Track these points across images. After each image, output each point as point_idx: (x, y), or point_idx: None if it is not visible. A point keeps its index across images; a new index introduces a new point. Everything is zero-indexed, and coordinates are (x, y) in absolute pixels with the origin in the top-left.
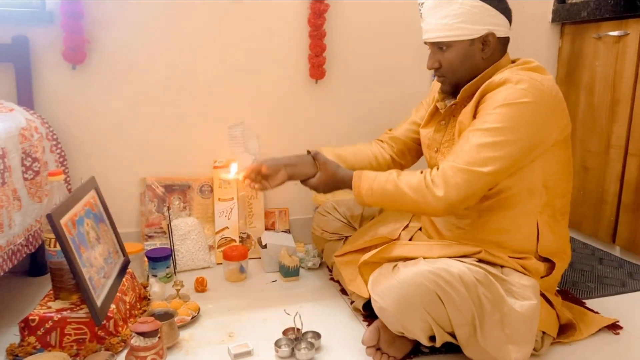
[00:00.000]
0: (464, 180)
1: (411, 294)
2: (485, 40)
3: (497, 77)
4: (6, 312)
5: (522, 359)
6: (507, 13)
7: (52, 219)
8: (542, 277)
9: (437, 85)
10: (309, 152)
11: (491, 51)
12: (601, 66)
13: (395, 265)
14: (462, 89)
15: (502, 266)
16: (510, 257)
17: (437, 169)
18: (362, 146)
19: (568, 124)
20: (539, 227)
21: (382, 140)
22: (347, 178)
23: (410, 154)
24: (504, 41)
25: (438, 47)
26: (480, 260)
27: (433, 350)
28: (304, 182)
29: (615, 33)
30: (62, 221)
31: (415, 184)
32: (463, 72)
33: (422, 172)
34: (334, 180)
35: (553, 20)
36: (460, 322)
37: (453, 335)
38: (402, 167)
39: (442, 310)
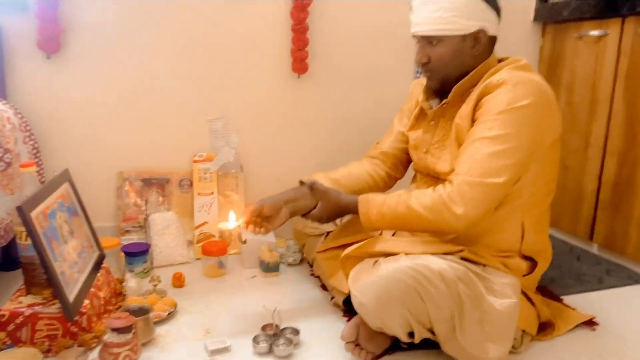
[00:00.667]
0: (482, 194)
1: (391, 290)
2: (476, 37)
3: (494, 78)
4: None
5: (500, 357)
6: (499, 11)
7: (22, 211)
8: (523, 276)
9: (417, 87)
10: (302, 182)
11: (481, 49)
12: (581, 65)
13: (377, 261)
14: (454, 88)
15: (484, 265)
16: (493, 255)
17: (450, 183)
18: (355, 166)
19: (560, 124)
20: (524, 226)
21: (373, 157)
22: (352, 204)
23: (403, 165)
24: (493, 40)
25: (428, 41)
26: (462, 258)
27: (412, 346)
28: (305, 215)
29: (596, 33)
30: (33, 214)
31: (429, 203)
32: (452, 68)
33: (433, 190)
34: (337, 209)
35: (535, 19)
36: (439, 318)
37: (432, 331)
38: (397, 180)
39: (422, 307)
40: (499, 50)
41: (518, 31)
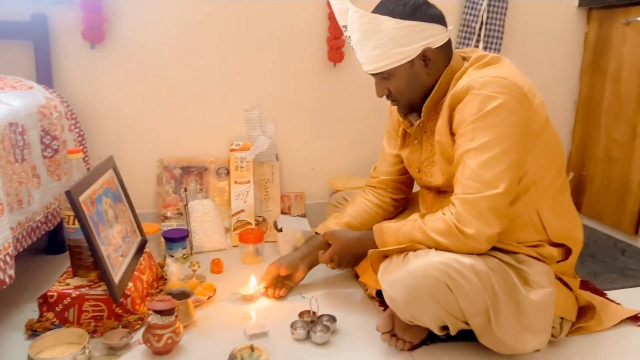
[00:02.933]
0: (486, 209)
1: (420, 285)
2: (424, 56)
3: (459, 86)
4: (25, 289)
5: (539, 347)
6: (437, 19)
7: (71, 196)
8: (557, 262)
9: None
10: (316, 232)
11: (435, 64)
12: (629, 53)
13: (406, 255)
14: (423, 106)
15: (515, 252)
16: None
17: (453, 205)
18: (361, 202)
19: (543, 106)
20: (540, 215)
21: (373, 187)
22: (364, 236)
23: (406, 185)
24: (446, 46)
25: (380, 76)
26: (492, 248)
27: (450, 337)
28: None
29: None
30: (81, 199)
31: (444, 229)
32: (413, 92)
33: (443, 214)
34: (349, 246)
35: (580, 5)
36: (473, 312)
37: (467, 323)
38: (405, 199)
39: (453, 301)
40: (542, 38)
41: (562, 17)
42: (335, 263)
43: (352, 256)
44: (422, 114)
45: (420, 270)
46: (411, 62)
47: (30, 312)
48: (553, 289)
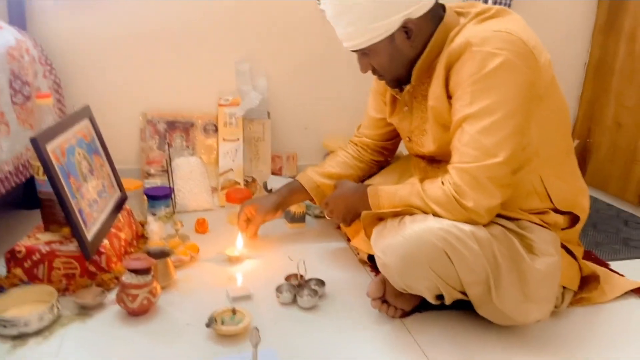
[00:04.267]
0: (485, 179)
1: (416, 252)
2: (405, 28)
3: (456, 43)
4: None
5: (542, 318)
6: None
7: (36, 143)
8: (562, 229)
9: None
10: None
11: (419, 35)
12: None
13: (402, 220)
14: (413, 69)
15: (518, 219)
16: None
17: (450, 175)
18: (342, 154)
19: (548, 59)
20: (544, 182)
21: (356, 144)
22: (362, 190)
23: (388, 150)
24: (431, 12)
25: (361, 52)
26: (496, 215)
27: (444, 305)
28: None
29: None
30: (50, 147)
31: (443, 199)
32: (398, 68)
33: (442, 184)
34: (345, 194)
35: None
36: (472, 281)
37: (464, 293)
38: (387, 162)
39: (451, 270)
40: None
41: None
42: (329, 210)
43: (345, 207)
44: (412, 78)
45: (417, 236)
46: (391, 36)
47: (0, 267)
48: (559, 257)
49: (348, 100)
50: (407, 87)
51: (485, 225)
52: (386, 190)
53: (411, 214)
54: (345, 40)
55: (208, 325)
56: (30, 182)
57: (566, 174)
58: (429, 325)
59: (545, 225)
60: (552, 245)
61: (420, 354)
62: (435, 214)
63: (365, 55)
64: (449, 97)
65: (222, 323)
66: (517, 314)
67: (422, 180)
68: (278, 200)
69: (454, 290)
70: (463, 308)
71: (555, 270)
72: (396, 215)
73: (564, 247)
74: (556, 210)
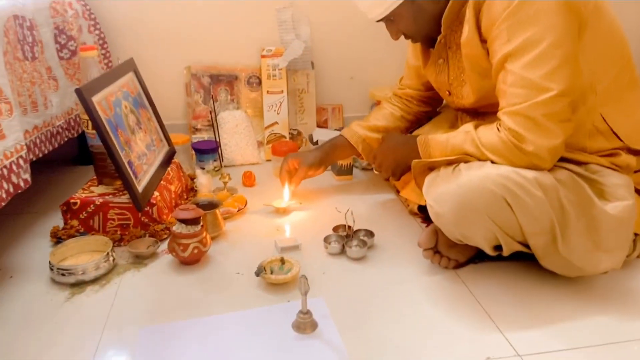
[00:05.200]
0: (541, 117)
1: (474, 200)
2: None
3: None
4: (54, 198)
5: (614, 267)
6: None
7: (81, 94)
8: (635, 172)
9: None
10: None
11: None
12: None
13: (456, 167)
14: (442, 19)
15: (586, 163)
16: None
17: (501, 122)
18: (387, 107)
19: None
20: (607, 120)
21: (401, 97)
22: (411, 141)
23: (435, 99)
24: None
25: (387, 20)
26: (561, 159)
27: (502, 257)
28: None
29: None
30: (95, 99)
31: (500, 146)
32: (426, 26)
33: (498, 129)
34: (394, 146)
35: None
36: (535, 230)
37: (525, 244)
38: (435, 112)
39: (512, 219)
40: None
41: None
42: (377, 163)
43: (394, 160)
44: (442, 28)
45: (474, 184)
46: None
47: (58, 220)
48: (633, 201)
49: (395, 48)
50: (439, 37)
51: (550, 170)
52: (437, 139)
53: (466, 161)
54: (368, 12)
55: (257, 274)
56: (83, 138)
57: (632, 108)
58: (484, 277)
59: (616, 168)
60: (626, 188)
61: (475, 304)
62: (493, 163)
63: (391, 22)
64: (483, 41)
65: (271, 272)
66: (587, 263)
67: (478, 125)
68: (321, 156)
69: (513, 241)
70: (522, 259)
71: (629, 215)
72: (449, 164)
73: (637, 191)
74: (629, 150)
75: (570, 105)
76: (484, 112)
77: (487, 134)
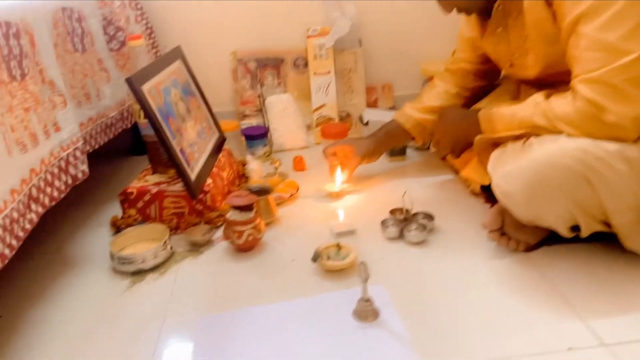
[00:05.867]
0: (622, 83)
1: (548, 177)
2: None
3: None
4: (113, 188)
5: None
6: None
7: (132, 83)
8: None
9: None
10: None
11: None
12: None
13: (526, 141)
14: None
15: None
16: None
17: (575, 91)
18: (439, 85)
19: None
20: None
21: (454, 72)
22: (471, 116)
23: (492, 73)
24: None
25: None
26: None
27: (578, 238)
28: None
29: None
30: (145, 88)
31: (576, 117)
32: None
33: (574, 98)
34: (452, 122)
35: None
36: (619, 208)
37: (606, 223)
38: (491, 83)
39: (592, 196)
40: None
41: None
42: (435, 140)
43: (454, 136)
44: None
45: (548, 159)
46: None
47: (117, 209)
48: None
49: (446, 18)
50: (496, 4)
51: (635, 142)
52: (501, 112)
53: (536, 136)
54: None
55: (314, 260)
56: (137, 128)
57: None
58: (560, 260)
59: None
60: None
61: (551, 290)
62: (569, 137)
63: None
64: (549, 3)
65: (328, 258)
66: None
67: (550, 95)
68: (375, 145)
69: (593, 221)
70: (601, 240)
71: None
72: (517, 138)
73: None
74: None
75: None
76: (551, 82)
77: (561, 104)
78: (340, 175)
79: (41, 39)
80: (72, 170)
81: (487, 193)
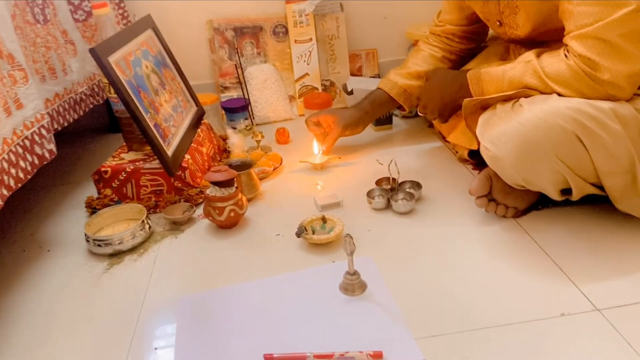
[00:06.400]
0: (617, 38)
1: (539, 139)
2: None
3: None
4: (89, 168)
5: None
6: None
7: (96, 54)
8: None
9: None
10: (378, 88)
11: None
12: None
13: (515, 102)
14: None
15: None
16: None
17: (569, 48)
18: (425, 48)
19: None
20: None
21: (439, 35)
22: (461, 77)
23: (478, 34)
24: None
25: None
26: None
27: (569, 202)
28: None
29: None
30: (112, 59)
31: (569, 76)
32: None
33: (565, 56)
34: (440, 83)
35: None
36: (611, 169)
37: (598, 186)
38: (480, 46)
39: (585, 157)
40: None
41: None
42: (422, 104)
43: (441, 99)
44: None
45: (539, 120)
46: None
47: (92, 190)
48: None
49: None
50: None
51: (629, 100)
52: (491, 72)
53: (527, 95)
54: None
55: (298, 234)
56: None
57: None
58: (550, 224)
59: None
60: None
61: (542, 255)
62: (560, 96)
63: None
64: None
65: (313, 232)
66: None
67: (541, 53)
68: (359, 115)
69: (585, 183)
70: (593, 203)
71: None
72: (507, 100)
73: None
74: None
75: None
76: (542, 41)
77: (553, 62)
78: (317, 147)
79: None
80: (38, 150)
81: (475, 159)
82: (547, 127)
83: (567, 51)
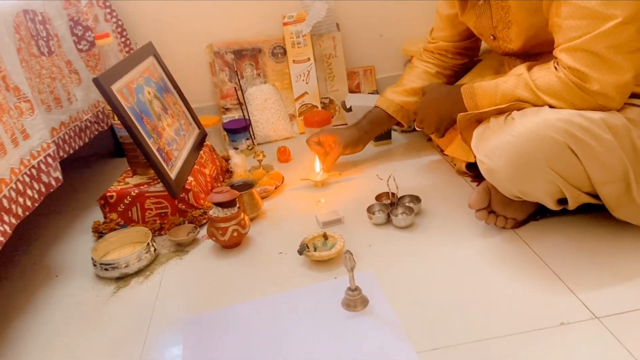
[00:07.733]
0: (604, 50)
1: (532, 151)
2: None
3: None
4: (95, 192)
5: None
6: None
7: (99, 83)
8: None
9: None
10: (376, 106)
11: None
12: None
13: (508, 116)
14: None
15: None
16: None
17: (559, 60)
18: (419, 65)
19: None
20: None
21: (433, 52)
22: (455, 92)
23: (471, 49)
24: None
25: None
26: (631, 95)
27: (566, 211)
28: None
29: None
30: (115, 87)
31: (559, 87)
32: None
33: (555, 68)
34: (436, 99)
35: None
36: (605, 179)
37: (593, 194)
38: (473, 60)
39: (578, 168)
40: None
41: None
42: (418, 119)
43: (437, 114)
44: None
45: (531, 132)
46: None
47: (99, 215)
48: None
49: (425, 2)
50: None
51: (619, 110)
52: (484, 86)
53: (519, 108)
54: None
55: (300, 252)
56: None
57: None
58: (548, 234)
59: None
60: None
61: (541, 265)
62: (552, 108)
63: None
64: None
65: (315, 249)
66: None
67: (532, 66)
68: (359, 134)
69: (580, 193)
70: (590, 211)
71: None
72: (500, 113)
73: None
74: None
75: (638, 32)
76: (535, 53)
77: (544, 75)
78: (318, 165)
79: (2, 44)
80: (44, 178)
81: (473, 171)
82: (539, 139)
83: (557, 63)
